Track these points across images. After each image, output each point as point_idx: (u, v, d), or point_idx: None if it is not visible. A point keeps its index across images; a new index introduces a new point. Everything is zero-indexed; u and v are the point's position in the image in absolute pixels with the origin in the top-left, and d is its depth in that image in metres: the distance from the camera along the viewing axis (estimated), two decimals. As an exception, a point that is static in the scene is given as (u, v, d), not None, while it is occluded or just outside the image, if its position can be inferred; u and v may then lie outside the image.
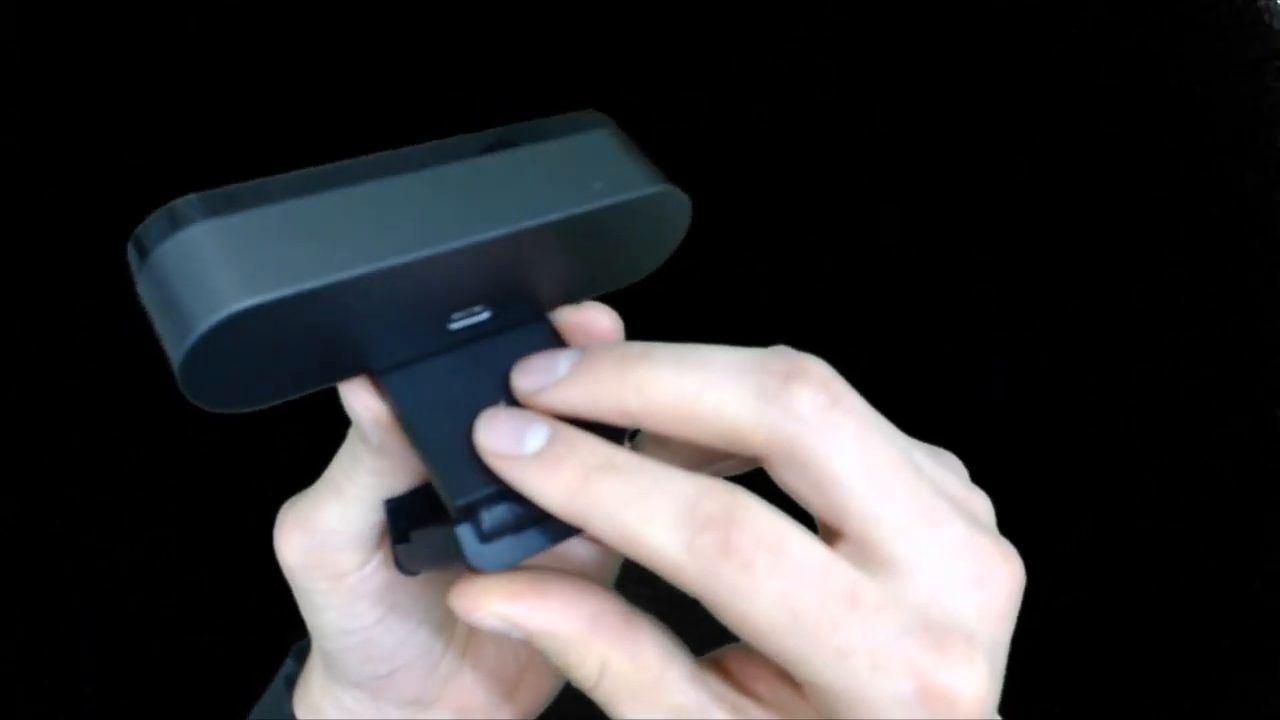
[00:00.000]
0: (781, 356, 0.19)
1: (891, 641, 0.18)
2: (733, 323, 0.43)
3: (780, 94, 0.44)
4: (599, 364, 0.20)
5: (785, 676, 0.20)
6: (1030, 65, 0.44)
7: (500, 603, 0.20)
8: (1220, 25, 0.44)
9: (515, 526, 0.20)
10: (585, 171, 0.22)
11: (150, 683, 0.43)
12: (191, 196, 0.19)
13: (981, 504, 0.21)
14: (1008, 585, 0.19)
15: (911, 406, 0.29)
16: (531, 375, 0.21)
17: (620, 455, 0.19)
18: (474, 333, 0.22)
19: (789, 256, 0.46)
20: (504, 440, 0.20)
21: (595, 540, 0.19)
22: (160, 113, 0.45)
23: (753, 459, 0.20)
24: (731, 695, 0.20)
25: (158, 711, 0.43)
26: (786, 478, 0.19)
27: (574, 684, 0.21)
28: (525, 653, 0.27)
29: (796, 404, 0.18)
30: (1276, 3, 0.44)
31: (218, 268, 0.19)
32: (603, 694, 0.20)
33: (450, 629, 0.27)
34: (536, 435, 0.20)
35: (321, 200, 0.20)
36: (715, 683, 0.20)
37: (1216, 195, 0.44)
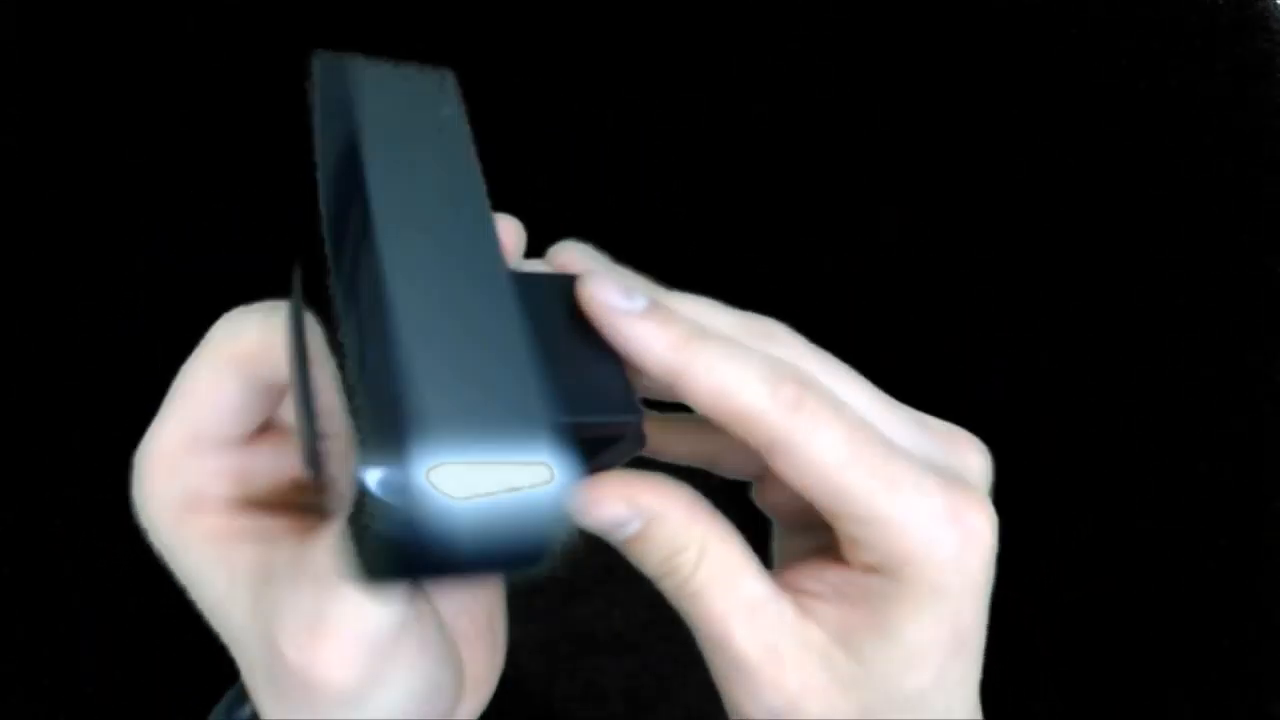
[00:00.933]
0: (780, 367, 0.23)
1: (925, 473, 0.23)
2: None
3: (780, 94, 0.44)
4: (671, 320, 0.22)
5: (821, 570, 0.24)
6: (1030, 65, 0.44)
7: (628, 491, 0.22)
8: (1220, 25, 0.44)
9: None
10: None
11: (150, 683, 0.44)
12: None
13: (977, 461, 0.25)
14: (989, 537, 0.23)
15: (912, 406, 0.29)
16: (609, 291, 0.23)
17: (705, 326, 0.23)
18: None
19: (789, 256, 0.46)
20: (615, 296, 0.22)
21: (679, 390, 0.22)
22: (160, 112, 0.45)
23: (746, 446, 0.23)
24: (790, 591, 0.24)
25: (158, 711, 0.43)
26: (783, 465, 0.22)
27: (665, 579, 0.23)
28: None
29: (805, 406, 0.22)
30: (1276, 3, 0.44)
31: None
32: (697, 581, 0.23)
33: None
34: (640, 297, 0.23)
35: None
36: (776, 580, 0.24)
37: (1216, 195, 0.44)
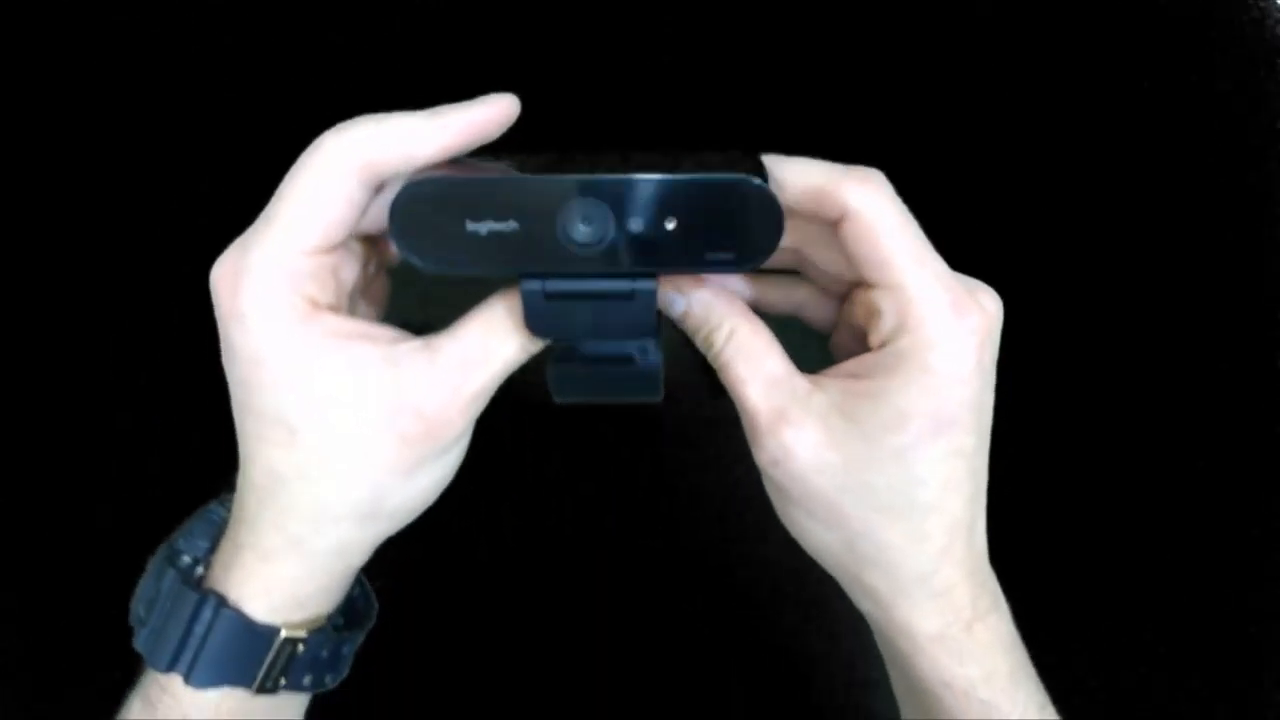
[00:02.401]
0: (867, 169, 0.29)
1: (947, 274, 0.29)
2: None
3: (780, 94, 0.44)
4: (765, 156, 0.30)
5: (846, 363, 0.30)
6: (1029, 65, 0.44)
7: (677, 282, 0.30)
8: (1220, 25, 0.44)
9: None
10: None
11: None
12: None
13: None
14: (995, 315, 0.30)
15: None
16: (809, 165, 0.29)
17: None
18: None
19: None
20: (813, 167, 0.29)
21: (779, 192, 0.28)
22: (160, 112, 0.45)
23: (823, 218, 0.29)
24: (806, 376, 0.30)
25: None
26: (849, 231, 0.28)
27: (707, 351, 0.30)
28: None
29: (867, 185, 0.28)
30: (1277, 3, 0.44)
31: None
32: (727, 353, 0.30)
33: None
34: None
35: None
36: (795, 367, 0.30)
37: (1217, 195, 0.44)
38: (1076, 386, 0.45)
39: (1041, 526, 0.44)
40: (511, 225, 0.27)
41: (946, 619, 0.30)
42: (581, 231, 0.27)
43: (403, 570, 0.31)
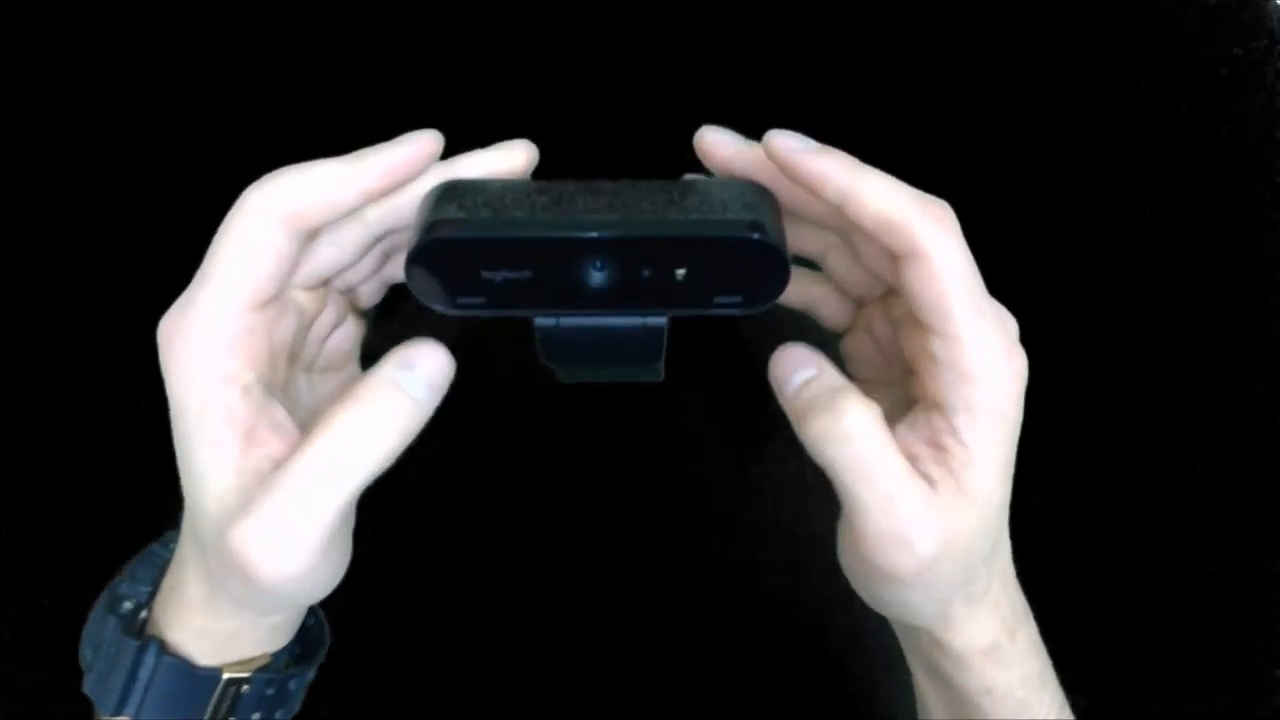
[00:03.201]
0: (936, 199, 0.29)
1: (999, 317, 0.29)
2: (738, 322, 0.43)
3: (779, 95, 0.44)
4: (840, 153, 0.29)
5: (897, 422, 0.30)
6: (1030, 66, 0.44)
7: (811, 352, 0.31)
8: (1220, 25, 0.44)
9: None
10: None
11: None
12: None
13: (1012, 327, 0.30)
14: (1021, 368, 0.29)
15: (912, 406, 0.29)
16: (791, 138, 0.29)
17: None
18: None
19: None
20: (795, 140, 0.29)
21: (845, 201, 0.28)
22: (160, 112, 0.45)
23: (889, 253, 0.29)
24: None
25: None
26: (915, 271, 0.28)
27: (824, 435, 0.29)
28: None
29: (941, 225, 0.28)
30: (1276, 3, 0.44)
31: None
32: (851, 429, 0.28)
33: None
34: (811, 141, 0.29)
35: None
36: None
37: (1217, 196, 0.44)
38: (1076, 387, 0.45)
39: (1041, 526, 0.44)
40: (525, 274, 0.28)
41: (997, 631, 0.30)
42: (595, 279, 0.28)
43: (395, 553, 0.31)
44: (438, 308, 0.29)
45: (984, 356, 0.28)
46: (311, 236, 0.29)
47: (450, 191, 0.29)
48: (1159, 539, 0.45)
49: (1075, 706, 0.34)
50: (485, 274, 0.28)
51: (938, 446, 0.28)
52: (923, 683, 0.34)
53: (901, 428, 0.30)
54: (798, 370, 0.30)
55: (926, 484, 0.28)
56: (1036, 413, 0.47)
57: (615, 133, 0.44)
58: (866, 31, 0.45)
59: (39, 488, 0.44)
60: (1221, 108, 0.44)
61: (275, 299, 0.29)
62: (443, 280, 0.28)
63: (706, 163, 0.31)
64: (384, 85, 0.45)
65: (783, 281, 0.28)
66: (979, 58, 0.44)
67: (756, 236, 0.27)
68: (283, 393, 0.30)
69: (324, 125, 0.44)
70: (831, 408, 0.28)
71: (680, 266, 0.28)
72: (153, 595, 0.32)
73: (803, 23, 0.45)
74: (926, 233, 0.27)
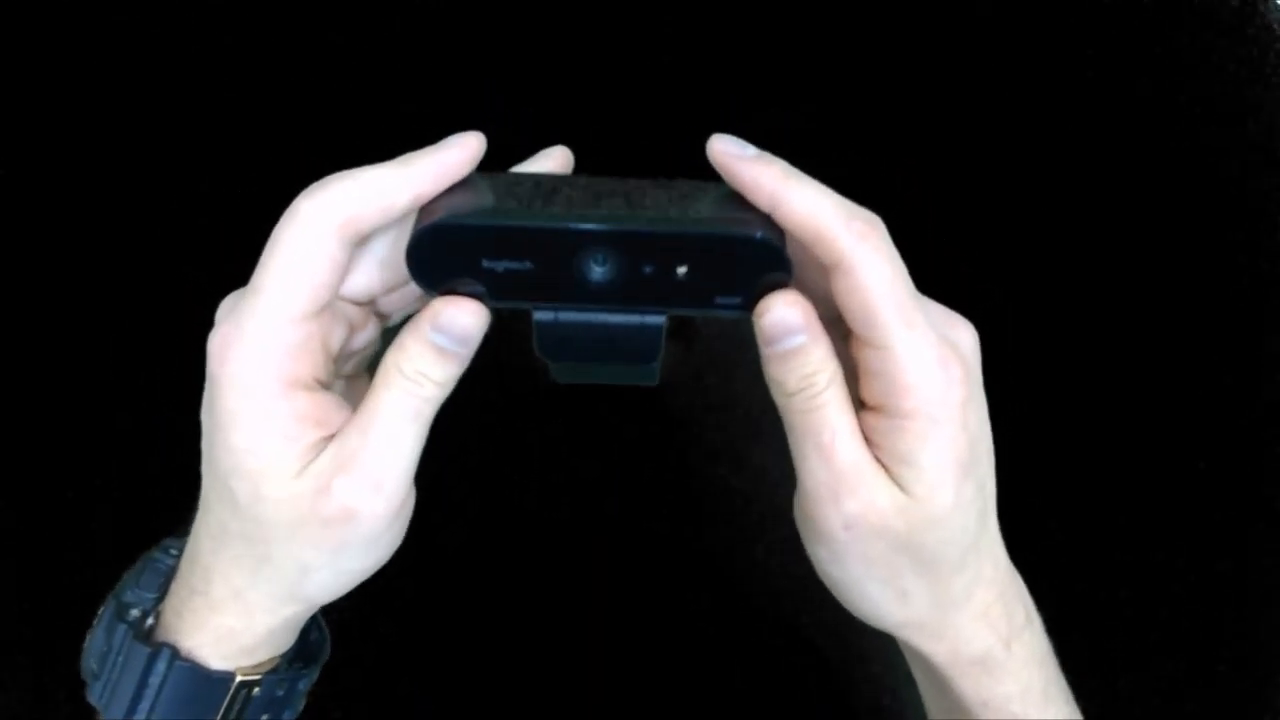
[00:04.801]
0: (864, 211, 0.29)
1: (930, 326, 0.28)
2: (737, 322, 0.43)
3: (780, 96, 0.44)
4: (776, 162, 0.29)
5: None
6: (1030, 66, 0.44)
7: (808, 311, 0.29)
8: (1220, 25, 0.44)
9: None
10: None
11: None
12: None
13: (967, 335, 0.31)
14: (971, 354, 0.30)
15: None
16: (727, 142, 0.29)
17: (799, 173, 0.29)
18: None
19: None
20: (733, 145, 0.29)
21: (776, 210, 0.28)
22: (160, 112, 0.45)
23: (820, 263, 0.29)
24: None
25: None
26: (842, 283, 0.28)
27: (798, 393, 0.29)
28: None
29: (865, 237, 0.28)
30: (1276, 3, 0.44)
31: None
32: (823, 399, 0.29)
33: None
34: (751, 147, 0.29)
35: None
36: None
37: (1217, 196, 0.44)
38: (1076, 387, 0.45)
39: (1041, 526, 0.44)
40: (526, 265, 0.28)
41: (988, 641, 0.30)
42: (596, 273, 0.28)
43: (398, 552, 0.32)
44: (433, 287, 0.29)
45: (916, 367, 0.28)
46: (362, 242, 0.29)
47: (458, 184, 0.30)
48: (1159, 539, 0.45)
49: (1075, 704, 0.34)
50: (486, 263, 0.28)
51: (879, 446, 0.29)
52: (924, 689, 0.34)
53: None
54: (789, 336, 0.29)
55: (873, 457, 0.29)
56: (1036, 413, 0.47)
57: (616, 132, 0.44)
58: (867, 31, 0.45)
59: (39, 488, 0.44)
60: (1222, 108, 0.44)
61: (328, 306, 0.29)
62: (444, 267, 0.28)
63: (718, 170, 0.31)
64: (384, 85, 0.45)
65: (783, 283, 0.29)
66: (977, 59, 0.44)
67: (759, 235, 0.28)
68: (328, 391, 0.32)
69: (324, 125, 0.44)
70: (802, 355, 0.29)
71: (682, 264, 0.28)
72: (158, 601, 0.33)
73: (803, 23, 0.45)
74: (851, 245, 0.28)
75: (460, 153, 0.29)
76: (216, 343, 0.29)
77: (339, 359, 0.31)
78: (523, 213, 0.28)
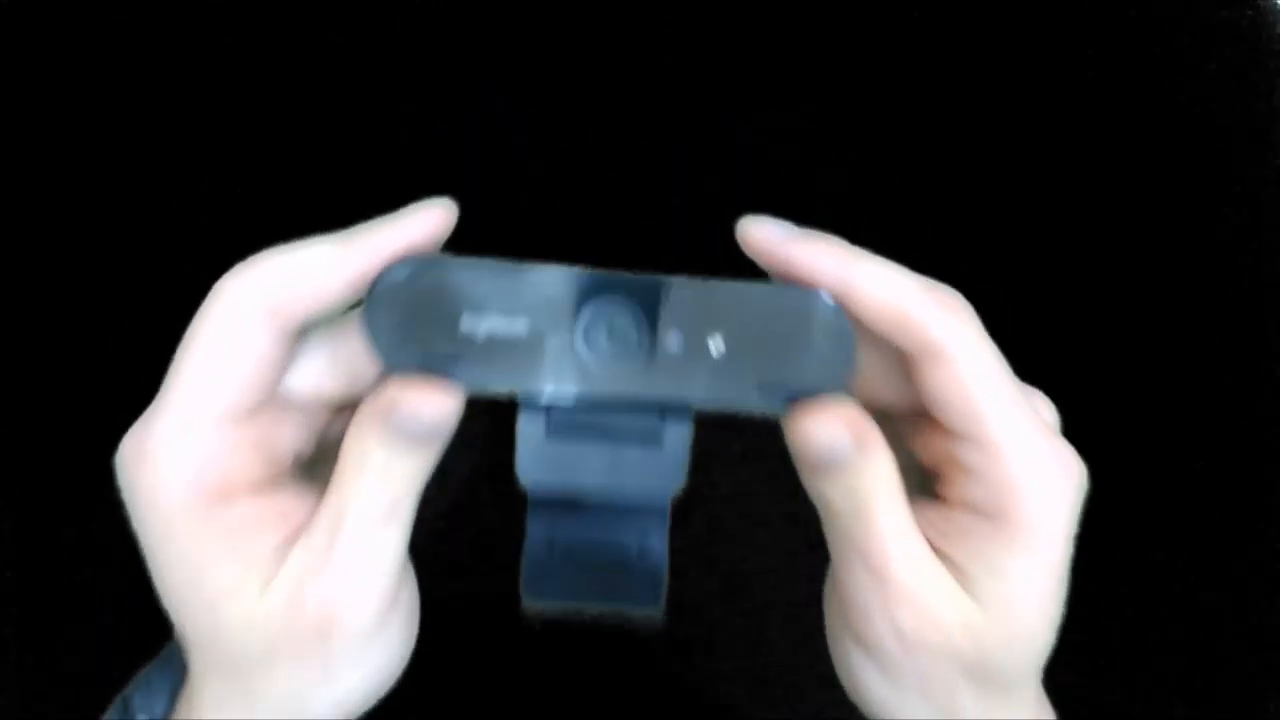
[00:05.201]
0: (946, 287, 0.25)
1: (1035, 411, 0.25)
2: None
3: (780, 96, 0.44)
4: (829, 237, 0.25)
5: (920, 510, 0.25)
6: (1030, 66, 0.44)
7: (853, 418, 0.25)
8: (1220, 25, 0.44)
9: None
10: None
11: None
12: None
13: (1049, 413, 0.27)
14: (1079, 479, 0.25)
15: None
16: (768, 226, 0.25)
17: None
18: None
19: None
20: (776, 230, 0.25)
21: (846, 297, 0.24)
22: (160, 112, 0.45)
23: (909, 366, 0.25)
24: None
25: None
26: (936, 374, 0.24)
27: (840, 499, 0.25)
28: None
29: (959, 318, 0.24)
30: (1277, 3, 0.44)
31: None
32: (870, 500, 0.24)
33: None
34: (794, 227, 0.25)
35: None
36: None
37: (1216, 197, 0.44)
38: (1075, 387, 0.45)
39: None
40: (519, 326, 0.22)
41: None
42: (605, 341, 0.23)
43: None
44: (397, 369, 0.23)
45: (1028, 468, 0.24)
46: (302, 333, 0.25)
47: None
48: (1158, 539, 0.45)
49: (1074, 706, 0.34)
50: (467, 323, 0.22)
51: (954, 546, 0.25)
52: None
53: (918, 507, 0.26)
54: (835, 456, 0.24)
55: (941, 564, 0.25)
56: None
57: (616, 132, 0.44)
58: (867, 31, 0.45)
59: (39, 487, 0.44)
60: (1222, 109, 0.44)
61: (266, 406, 0.24)
62: (411, 328, 0.23)
63: (759, 260, 0.26)
64: (384, 85, 0.45)
65: (848, 366, 0.24)
66: (977, 60, 0.44)
67: (827, 299, 0.23)
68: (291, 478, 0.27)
69: (324, 125, 0.44)
70: (850, 472, 0.24)
71: (717, 333, 0.23)
72: (169, 709, 0.29)
73: (803, 23, 0.45)
74: (947, 329, 0.24)
75: (420, 226, 0.24)
76: (124, 456, 0.24)
77: (297, 457, 0.26)
78: (520, 261, 0.23)
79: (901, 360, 0.25)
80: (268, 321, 0.23)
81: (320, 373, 0.25)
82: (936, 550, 0.25)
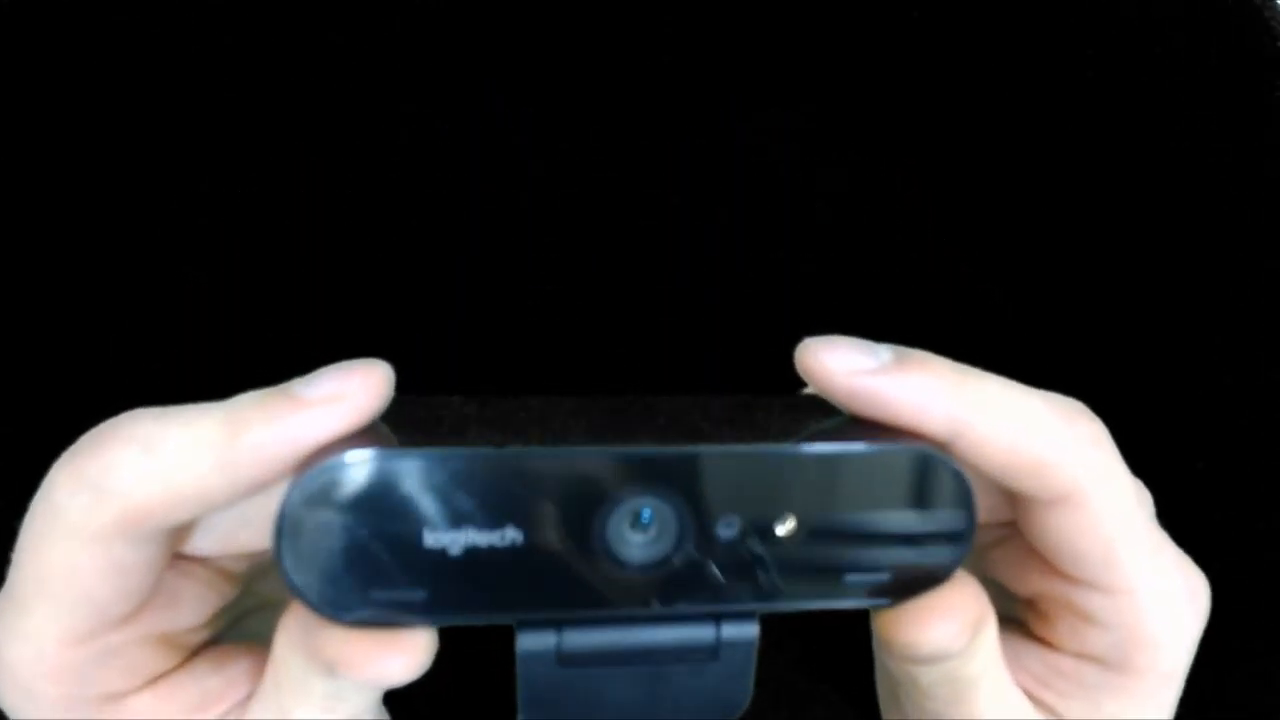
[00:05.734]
0: (1071, 402, 0.21)
1: (1166, 543, 0.21)
2: (736, 323, 0.43)
3: (780, 96, 0.44)
4: (933, 361, 0.19)
5: (1020, 653, 0.21)
6: (1028, 66, 0.44)
7: (966, 608, 0.20)
8: (1220, 25, 0.44)
9: None
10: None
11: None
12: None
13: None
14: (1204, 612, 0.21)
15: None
16: (845, 351, 0.19)
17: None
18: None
19: (789, 260, 0.46)
20: (857, 355, 0.18)
21: (955, 442, 0.18)
22: (160, 112, 0.45)
23: (1013, 499, 0.20)
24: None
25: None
26: (1064, 519, 0.19)
27: (940, 685, 0.20)
28: None
29: (1098, 450, 0.20)
30: (1277, 3, 0.44)
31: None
32: (973, 681, 0.20)
33: None
34: (885, 350, 0.19)
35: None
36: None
37: (1216, 196, 0.44)
38: (1076, 387, 0.45)
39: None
40: (511, 538, 0.16)
41: None
42: (634, 544, 0.16)
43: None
44: (330, 611, 0.16)
45: (1169, 615, 0.20)
46: (184, 531, 0.19)
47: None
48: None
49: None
50: (432, 538, 0.16)
51: (1059, 697, 0.21)
52: None
53: (1010, 646, 0.21)
54: (949, 642, 0.19)
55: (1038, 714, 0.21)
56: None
57: (616, 132, 0.44)
58: (867, 31, 0.45)
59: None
60: (1222, 108, 0.44)
61: (151, 601, 0.19)
62: (346, 554, 0.16)
63: (835, 400, 0.19)
64: (384, 85, 0.45)
65: (968, 538, 0.18)
66: (978, 58, 0.44)
67: (938, 456, 0.17)
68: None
69: (324, 125, 0.44)
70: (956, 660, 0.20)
71: (788, 516, 0.17)
72: None
73: (803, 23, 0.45)
74: (1086, 471, 0.19)
75: (340, 411, 0.17)
76: None
77: (223, 614, 0.21)
78: (487, 444, 0.16)
79: (1007, 491, 0.20)
80: (129, 536, 0.18)
81: (232, 528, 0.19)
82: (1032, 698, 0.21)
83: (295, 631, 0.17)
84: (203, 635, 0.21)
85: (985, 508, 0.20)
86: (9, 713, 0.19)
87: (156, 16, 0.45)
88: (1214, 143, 0.45)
